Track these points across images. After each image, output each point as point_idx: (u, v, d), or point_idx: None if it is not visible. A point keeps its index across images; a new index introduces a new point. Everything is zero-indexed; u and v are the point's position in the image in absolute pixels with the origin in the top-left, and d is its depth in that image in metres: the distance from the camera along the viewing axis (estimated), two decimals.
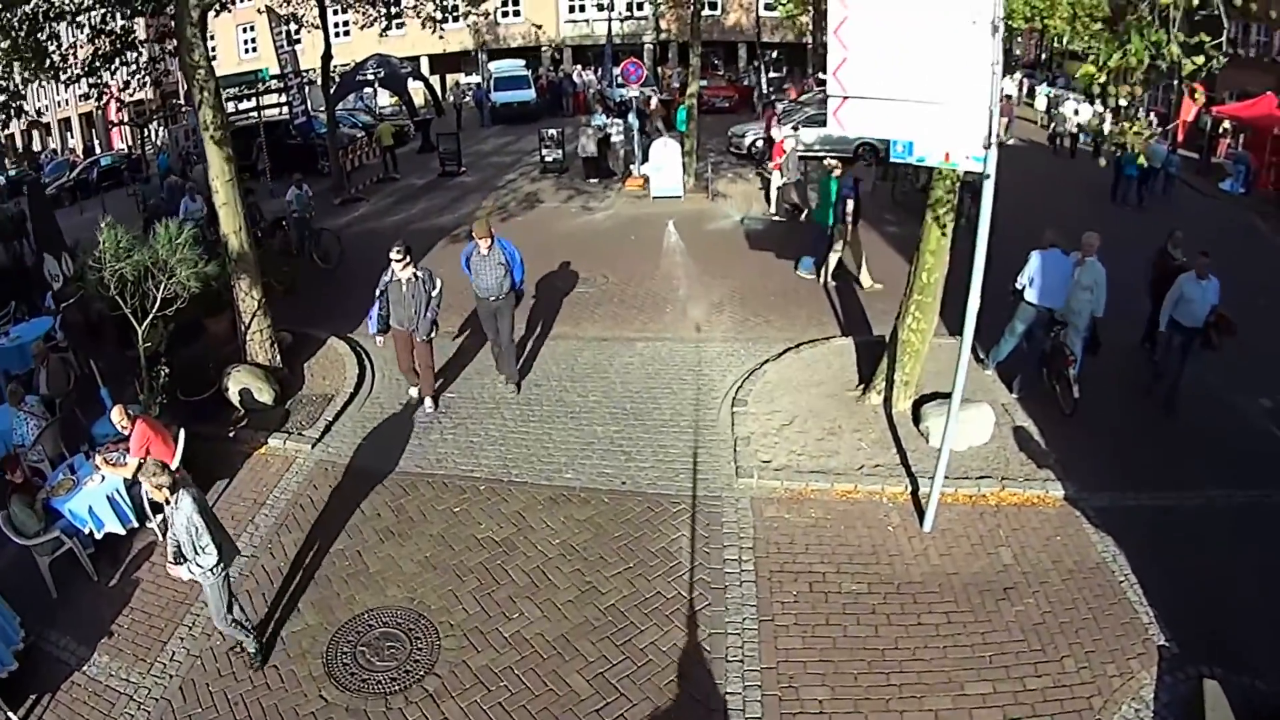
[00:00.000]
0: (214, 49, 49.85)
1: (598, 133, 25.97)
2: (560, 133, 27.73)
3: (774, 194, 21.34)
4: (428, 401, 11.94)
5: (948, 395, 11.23)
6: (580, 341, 13.94)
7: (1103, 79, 6.85)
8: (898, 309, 11.10)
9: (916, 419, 10.89)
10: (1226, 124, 31.94)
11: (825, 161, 16.94)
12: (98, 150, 48.37)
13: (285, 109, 30.56)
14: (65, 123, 59.85)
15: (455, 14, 31.35)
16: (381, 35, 27.68)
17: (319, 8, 26.36)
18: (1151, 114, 36.86)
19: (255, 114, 30.69)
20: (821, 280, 16.17)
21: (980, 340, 12.71)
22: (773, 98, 37.48)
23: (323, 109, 37.01)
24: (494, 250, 11.67)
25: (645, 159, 25.05)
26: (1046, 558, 8.77)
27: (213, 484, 10.46)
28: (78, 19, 14.54)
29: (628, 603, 8.27)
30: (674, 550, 8.93)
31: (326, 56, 26.67)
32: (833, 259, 16.13)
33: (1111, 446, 10.51)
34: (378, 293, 11.36)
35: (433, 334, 11.64)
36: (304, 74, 46.78)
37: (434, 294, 11.33)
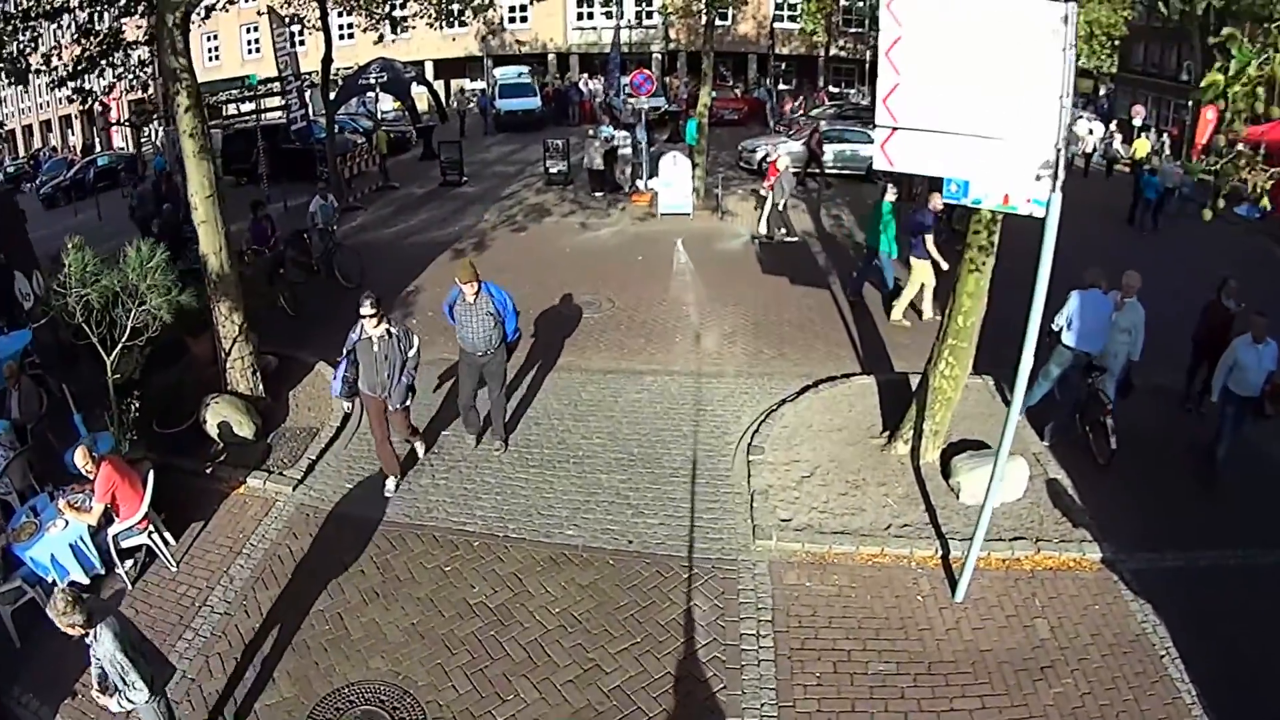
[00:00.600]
0: (217, 49, 49.58)
1: (604, 145, 25.19)
2: (565, 143, 26.95)
3: (766, 215, 20.51)
4: (419, 447, 10.85)
5: (978, 445, 10.61)
6: (584, 374, 13.12)
7: (1237, 88, 6.00)
8: (929, 352, 10.30)
9: (946, 472, 10.09)
10: (1241, 146, 31.15)
11: (882, 187, 16.06)
12: (98, 148, 47.63)
13: (284, 113, 29.65)
14: (66, 120, 59.12)
15: (461, 14, 30.82)
16: (377, 42, 26.87)
17: (320, 10, 25.57)
18: (1165, 134, 36.33)
19: (253, 117, 30.06)
20: (893, 318, 15.19)
21: (1009, 383, 12.06)
22: (795, 113, 36.83)
23: (324, 113, 36.50)
24: (481, 298, 10.18)
25: (653, 172, 24.34)
26: (1085, 630, 8.03)
27: (187, 526, 9.71)
28: (61, 19, 13.68)
29: (634, 684, 7.44)
30: (685, 623, 8.10)
31: (327, 60, 25.94)
32: (907, 294, 15.17)
33: (1148, 501, 9.74)
34: (345, 351, 9.82)
35: (409, 401, 10.04)
36: (305, 77, 46.20)
37: (410, 354, 9.81)
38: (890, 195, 15.21)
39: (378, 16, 26.36)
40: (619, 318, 15.40)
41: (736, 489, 9.97)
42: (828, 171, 27.59)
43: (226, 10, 21.77)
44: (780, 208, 20.20)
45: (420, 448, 10.84)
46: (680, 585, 8.54)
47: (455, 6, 28.81)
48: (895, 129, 6.77)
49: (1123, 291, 10.73)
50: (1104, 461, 10.39)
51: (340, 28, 39.36)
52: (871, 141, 26.82)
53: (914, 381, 12.10)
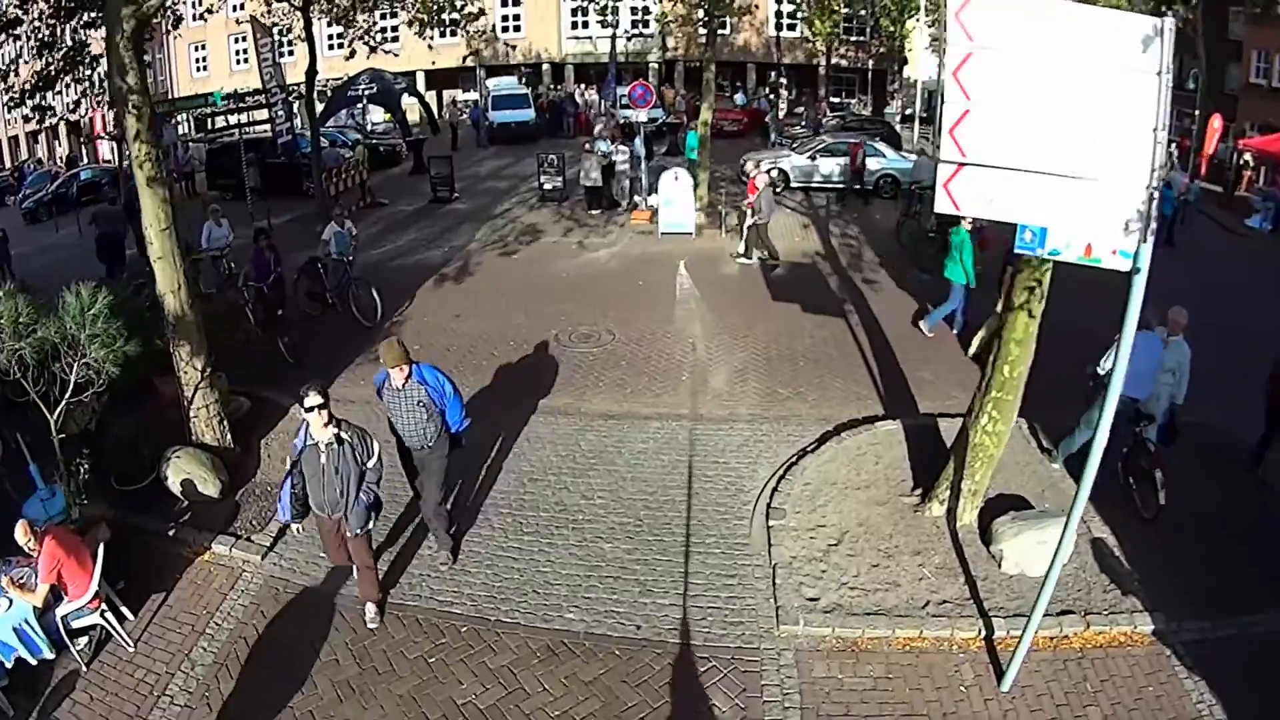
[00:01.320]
0: (205, 59, 48.44)
1: (602, 159, 24.16)
2: (560, 158, 25.99)
3: (745, 235, 19.58)
4: (370, 610, 8.24)
5: (1017, 501, 9.63)
6: (584, 419, 12.04)
7: None
8: (970, 404, 9.28)
9: (986, 537, 9.07)
10: (1249, 157, 30.55)
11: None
12: (84, 161, 46.42)
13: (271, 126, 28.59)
14: (53, 131, 57.90)
15: (453, 26, 29.79)
16: (370, 54, 25.82)
17: (304, 19, 24.56)
18: (1173, 144, 35.47)
19: (236, 131, 29.08)
20: (972, 352, 14.02)
21: (1044, 427, 11.09)
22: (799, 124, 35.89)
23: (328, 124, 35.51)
24: (412, 385, 8.29)
25: (652, 188, 23.38)
26: (1140, 717, 7.07)
27: (148, 597, 8.67)
28: (16, 34, 12.64)
29: None
30: None
31: (311, 71, 24.91)
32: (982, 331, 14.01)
33: (1199, 559, 8.77)
34: (289, 461, 8.02)
35: (369, 524, 7.99)
36: (294, 89, 45.29)
37: (369, 466, 7.75)
38: (967, 223, 14.02)
39: (360, 29, 25.28)
40: (620, 352, 14.35)
41: (756, 560, 8.90)
42: (833, 186, 26.68)
43: (204, 20, 20.77)
44: (759, 228, 19.21)
45: (372, 612, 8.26)
46: (696, 680, 7.49)
47: (446, 17, 27.77)
48: (962, 164, 5.69)
49: (1168, 328, 9.76)
50: (1150, 516, 9.40)
51: (330, 37, 38.39)
52: (878, 154, 26.24)
53: (943, 426, 11.20)
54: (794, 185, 26.91)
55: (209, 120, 38.17)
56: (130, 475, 10.45)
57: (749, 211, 19.24)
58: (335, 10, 25.00)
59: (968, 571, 8.69)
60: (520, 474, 10.65)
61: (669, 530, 9.41)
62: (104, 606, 8.04)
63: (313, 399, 7.37)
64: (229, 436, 11.15)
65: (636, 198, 23.95)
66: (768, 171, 21.37)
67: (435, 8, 26.50)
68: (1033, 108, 5.43)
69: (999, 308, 13.28)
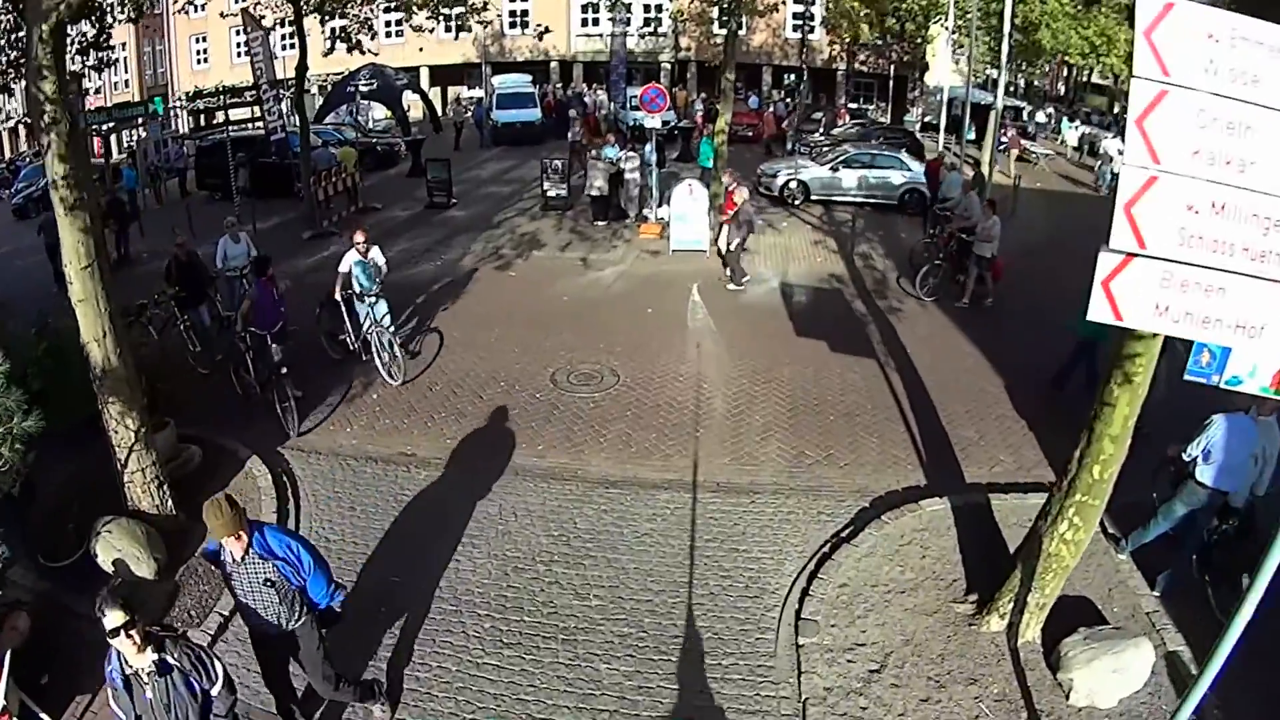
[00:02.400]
0: (206, 52, 46.88)
1: (609, 167, 22.59)
2: (566, 163, 24.38)
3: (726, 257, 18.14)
4: None
5: (1081, 606, 8.09)
6: (581, 487, 10.42)
7: None
8: (1045, 510, 7.70)
9: (1052, 660, 7.51)
10: None
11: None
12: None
13: (263, 123, 27.04)
14: None
15: (459, 21, 28.26)
16: (347, 50, 24.21)
17: (294, 11, 23.02)
18: None
19: (227, 129, 27.52)
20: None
21: (1110, 508, 9.52)
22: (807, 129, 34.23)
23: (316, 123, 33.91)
24: (252, 558, 5.97)
25: (662, 198, 21.85)
26: None
27: (73, 698, 7.20)
28: None
29: None
30: None
31: (301, 66, 23.42)
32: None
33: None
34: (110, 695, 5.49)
35: None
36: (291, 83, 43.72)
37: (216, 691, 5.44)
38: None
39: (354, 22, 23.74)
40: (625, 399, 12.76)
41: (783, 691, 7.31)
42: (854, 200, 25.11)
43: (134, 21, 19.16)
44: (734, 249, 17.68)
45: None
46: None
47: (448, 12, 26.28)
48: (1135, 256, 4.06)
49: (1259, 409, 8.20)
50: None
51: (333, 31, 36.80)
52: (904, 166, 24.63)
53: (996, 504, 9.67)
54: (814, 198, 25.31)
55: (204, 115, 36.63)
56: (57, 550, 8.98)
57: (727, 230, 17.75)
58: (327, 2, 23.35)
59: (1030, 705, 7.15)
60: (504, 559, 9.06)
61: (678, 647, 7.80)
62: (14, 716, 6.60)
63: (113, 618, 4.99)
64: (170, 503, 9.61)
65: (646, 210, 22.39)
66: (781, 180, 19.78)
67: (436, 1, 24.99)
68: (1253, 179, 3.83)
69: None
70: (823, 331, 15.08)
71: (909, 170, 25.30)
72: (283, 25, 25.09)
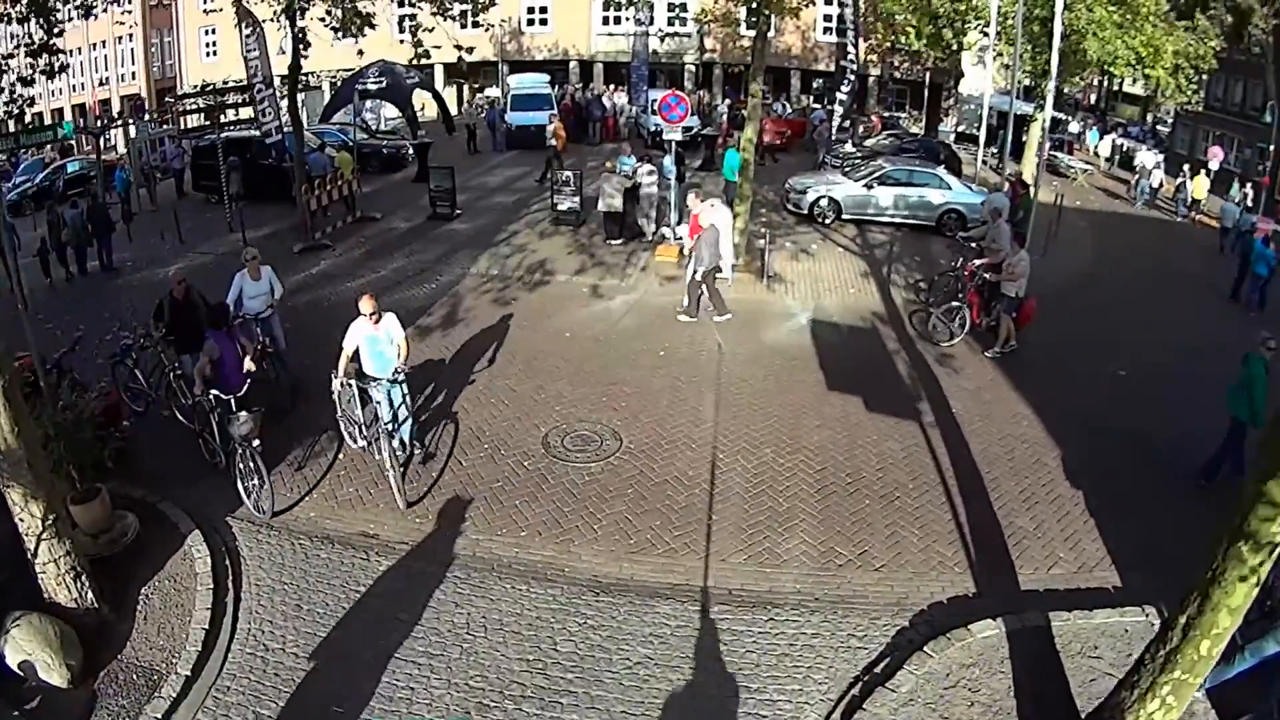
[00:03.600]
0: (215, 44, 45.34)
1: (624, 181, 20.83)
2: (578, 176, 22.51)
3: (686, 283, 16.41)
4: None
5: None
6: (566, 590, 8.63)
7: None
8: (1132, 684, 5.96)
9: None
10: None
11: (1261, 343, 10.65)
12: (79, 151, 43.55)
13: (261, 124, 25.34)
14: (59, 113, 55.10)
15: (470, 16, 26.61)
16: (335, 41, 22.45)
17: (286, 5, 21.38)
18: (1250, 184, 31.91)
19: (217, 130, 26.03)
20: None
21: None
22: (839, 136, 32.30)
23: (310, 125, 32.25)
24: None
25: (681, 216, 20.13)
26: None
27: None
28: None
29: None
30: None
31: (294, 65, 21.82)
32: None
33: None
34: None
35: None
36: (311, 77, 42.15)
37: None
38: (1269, 348, 10.47)
39: (352, 18, 22.08)
40: (627, 471, 10.93)
41: None
42: (889, 221, 23.28)
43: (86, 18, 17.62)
44: (699, 277, 15.88)
45: None
46: None
47: (457, 8, 24.62)
48: None
49: None
50: None
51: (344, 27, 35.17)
52: (943, 185, 22.77)
53: (1057, 627, 7.98)
54: (846, 217, 23.44)
55: (207, 113, 35.03)
56: None
57: (692, 258, 15.99)
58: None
59: None
60: (466, 691, 7.31)
61: None
62: None
63: None
64: (90, 596, 8.01)
65: (664, 229, 20.61)
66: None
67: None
68: None
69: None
70: (857, 384, 13.29)
71: (948, 189, 23.37)
72: (276, 20, 23.09)
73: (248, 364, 10.23)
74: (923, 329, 15.88)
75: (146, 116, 38.57)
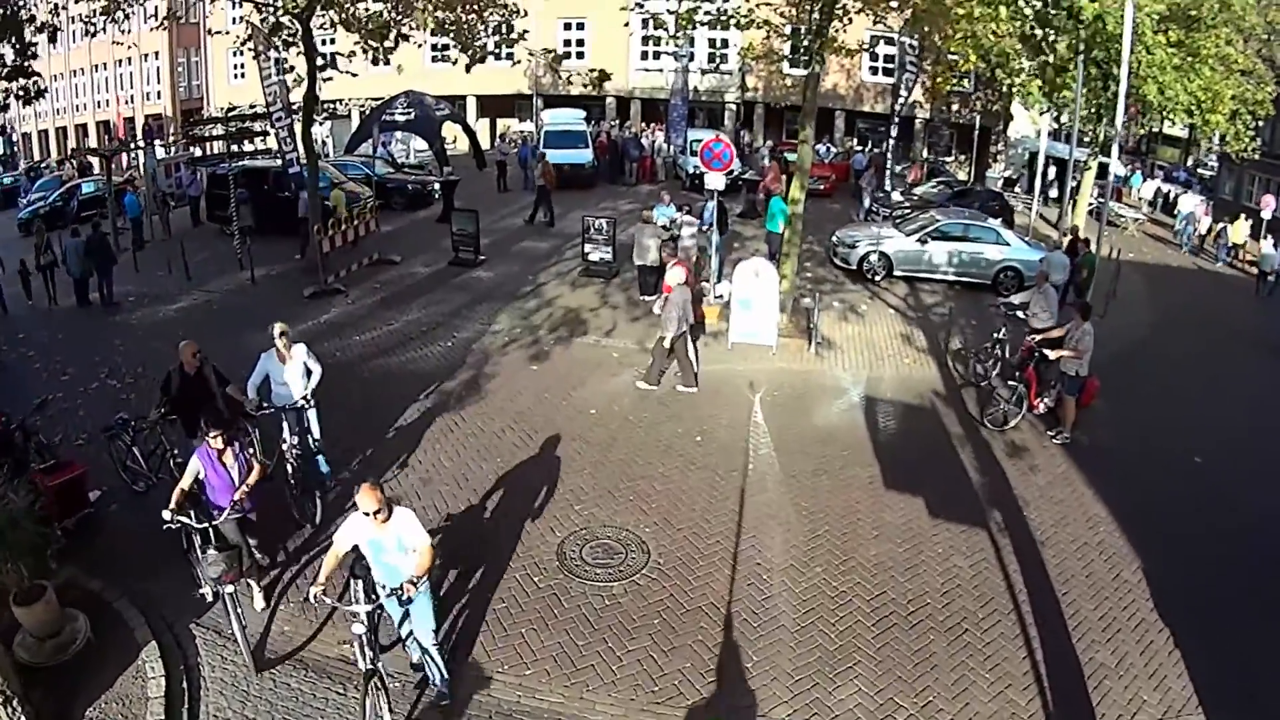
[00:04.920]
0: (242, 66, 44.35)
1: (661, 232, 19.10)
2: (611, 223, 20.80)
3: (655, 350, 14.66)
4: None
5: None
6: None
7: None
8: None
9: None
10: None
11: None
12: (97, 170, 42.62)
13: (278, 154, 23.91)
14: (82, 129, 54.45)
15: (498, 49, 25.26)
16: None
17: (302, 31, 20.00)
18: None
19: (229, 159, 24.75)
20: None
21: None
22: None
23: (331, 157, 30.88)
24: None
25: (721, 272, 18.50)
26: None
27: None
28: None
29: None
30: None
31: (310, 95, 20.45)
32: None
33: None
34: None
35: None
36: (330, 107, 40.88)
37: None
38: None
39: (375, 47, 20.71)
40: (654, 594, 9.14)
41: None
42: (942, 278, 21.49)
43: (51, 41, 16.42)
44: (667, 344, 14.20)
45: None
46: None
47: (489, 41, 23.22)
48: None
49: None
50: None
51: (366, 51, 34.00)
52: (1000, 240, 20.89)
53: None
54: (897, 274, 21.69)
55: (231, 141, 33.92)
56: None
57: (666, 322, 14.19)
58: (348, 19, 20.23)
59: None
60: None
61: None
62: None
63: None
64: None
65: (703, 284, 18.91)
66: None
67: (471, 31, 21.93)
68: None
69: None
70: (918, 481, 11.52)
71: (1005, 244, 21.51)
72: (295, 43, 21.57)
73: (241, 489, 8.26)
74: (981, 408, 14.10)
75: (159, 140, 37.46)
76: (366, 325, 17.45)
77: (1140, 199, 38.26)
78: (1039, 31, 25.39)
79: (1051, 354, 13.13)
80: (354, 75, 21.50)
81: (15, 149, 55.19)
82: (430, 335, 16.93)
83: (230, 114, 29.61)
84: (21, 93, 15.17)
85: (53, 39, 16.33)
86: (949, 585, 9.46)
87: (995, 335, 15.34)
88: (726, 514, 10.68)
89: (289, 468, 10.22)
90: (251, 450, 9.06)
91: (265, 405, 10.25)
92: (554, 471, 11.52)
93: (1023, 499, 11.36)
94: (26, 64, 15.26)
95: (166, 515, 7.80)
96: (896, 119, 30.33)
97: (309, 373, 10.50)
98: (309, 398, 10.40)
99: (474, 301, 19.06)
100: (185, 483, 8.09)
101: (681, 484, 11.38)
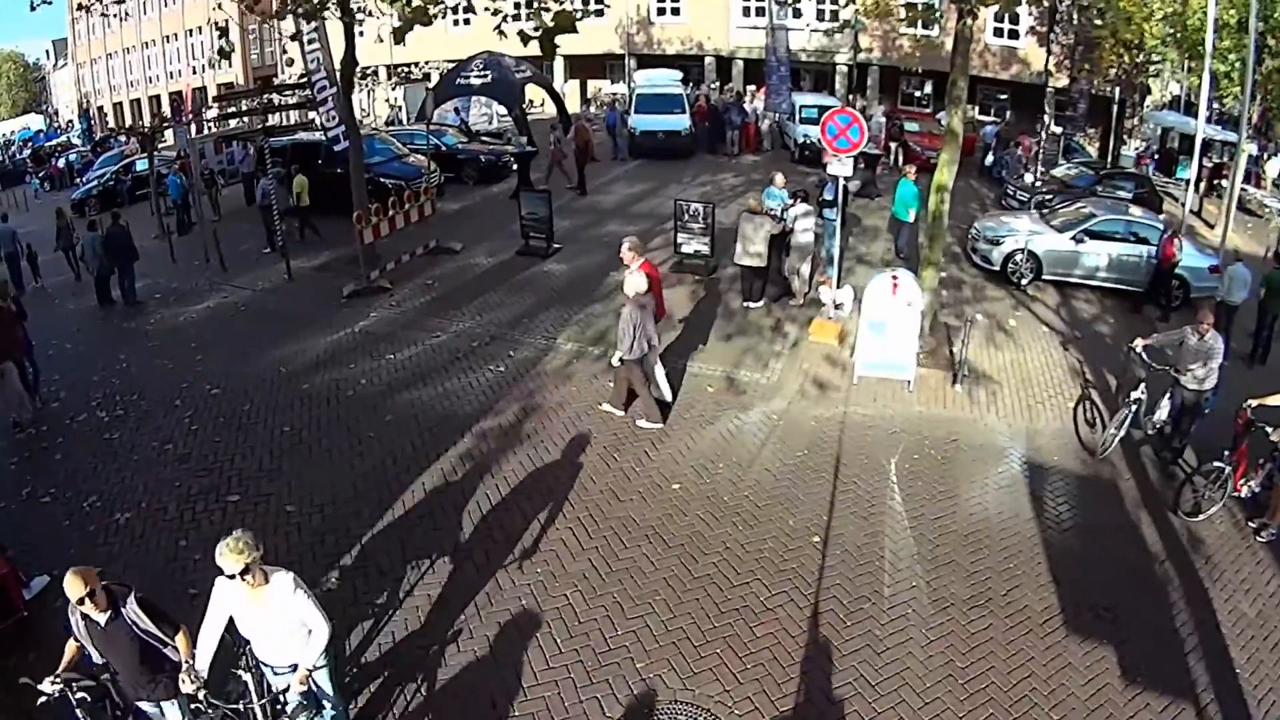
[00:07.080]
0: (286, 49, 41.65)
1: (772, 224, 15.33)
2: (709, 210, 17.06)
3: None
4: None
5: None
6: None
7: None
8: None
9: None
10: None
11: None
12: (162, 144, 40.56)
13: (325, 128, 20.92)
14: (155, 100, 52.63)
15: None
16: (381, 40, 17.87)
17: None
18: None
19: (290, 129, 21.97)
20: None
21: None
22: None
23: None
24: None
25: (842, 277, 14.99)
26: None
27: None
28: None
29: None
30: None
31: (349, 60, 17.38)
32: None
33: None
34: None
35: None
36: (405, 70, 37.83)
37: None
38: None
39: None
40: None
41: None
42: (1095, 283, 17.39)
43: None
44: (616, 362, 11.24)
45: None
46: None
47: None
48: None
49: None
50: None
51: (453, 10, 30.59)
52: (1154, 236, 15.51)
53: None
54: (1046, 277, 17.67)
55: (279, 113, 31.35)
56: None
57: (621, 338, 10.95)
58: None
59: None
60: None
61: None
62: None
63: None
64: None
65: (821, 289, 15.24)
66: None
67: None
68: None
69: None
70: (1105, 615, 8.01)
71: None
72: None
73: None
74: (1167, 484, 10.52)
75: (193, 115, 35.21)
76: (406, 338, 14.35)
77: (1265, 179, 32.35)
78: None
79: (1274, 433, 9.47)
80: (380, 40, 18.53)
81: (91, 122, 53.89)
82: (478, 356, 13.65)
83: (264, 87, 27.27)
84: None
85: None
86: None
87: (1133, 393, 11.10)
88: (849, 680, 7.22)
89: None
90: None
91: (238, 671, 5.94)
92: (609, 592, 8.22)
93: (1234, 638, 7.95)
94: None
95: None
96: (1051, 87, 25.68)
97: (307, 627, 5.74)
98: (314, 668, 5.83)
99: (539, 305, 15.75)
100: None
101: (789, 626, 7.88)
